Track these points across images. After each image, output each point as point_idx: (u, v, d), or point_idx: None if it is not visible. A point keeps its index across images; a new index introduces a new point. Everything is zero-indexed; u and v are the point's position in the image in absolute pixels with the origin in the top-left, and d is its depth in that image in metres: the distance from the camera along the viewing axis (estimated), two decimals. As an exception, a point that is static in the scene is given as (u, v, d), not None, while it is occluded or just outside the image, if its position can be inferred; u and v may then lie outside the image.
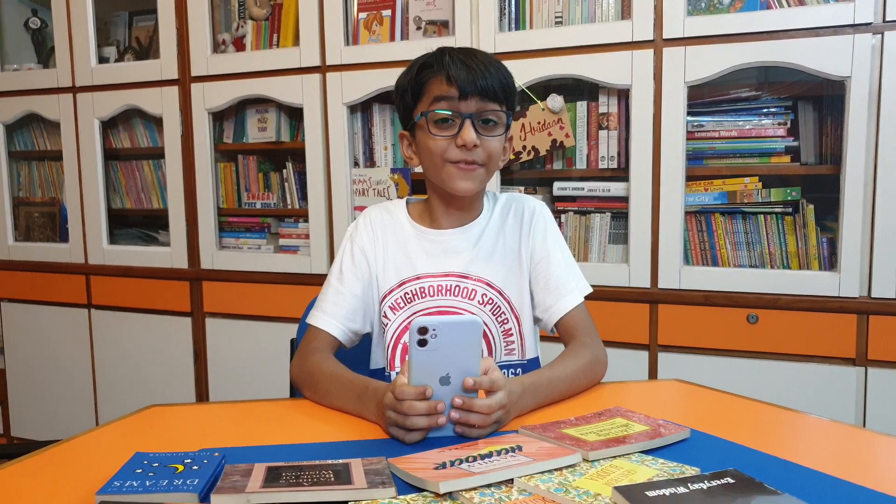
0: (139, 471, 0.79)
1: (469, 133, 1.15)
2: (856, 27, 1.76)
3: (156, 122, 2.59)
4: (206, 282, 2.49)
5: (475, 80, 1.15)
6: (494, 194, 1.34)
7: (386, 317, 1.26)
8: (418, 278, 1.26)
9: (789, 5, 1.85)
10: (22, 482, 0.83)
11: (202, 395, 2.55)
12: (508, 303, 1.26)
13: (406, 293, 1.25)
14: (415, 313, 1.24)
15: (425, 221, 1.30)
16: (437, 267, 1.26)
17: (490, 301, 1.25)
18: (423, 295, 1.25)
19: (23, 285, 2.78)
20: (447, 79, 1.16)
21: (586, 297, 1.27)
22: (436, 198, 1.28)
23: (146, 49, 2.69)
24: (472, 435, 0.95)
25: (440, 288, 1.25)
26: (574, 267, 1.30)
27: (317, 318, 1.25)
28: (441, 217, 1.28)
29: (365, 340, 1.32)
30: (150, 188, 2.68)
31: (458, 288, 1.25)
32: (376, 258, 1.28)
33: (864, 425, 1.81)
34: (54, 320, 2.73)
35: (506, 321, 1.26)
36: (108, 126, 2.67)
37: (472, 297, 1.25)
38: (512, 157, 2.10)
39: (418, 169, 1.38)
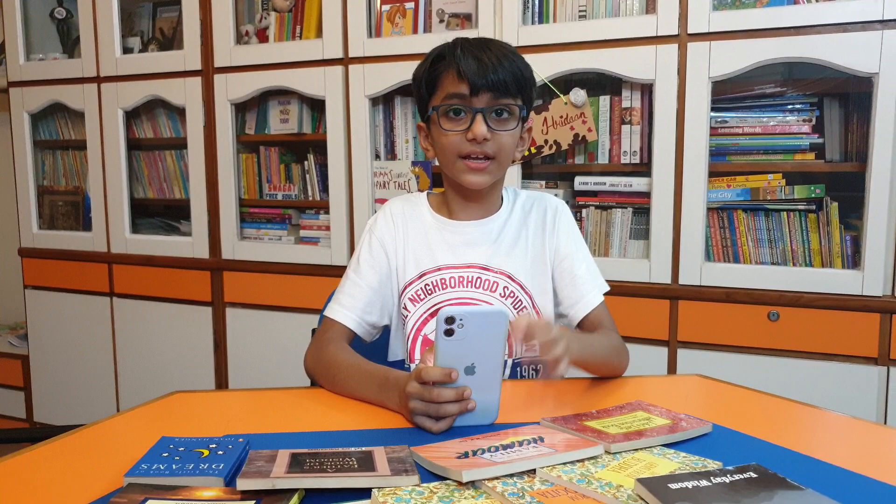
0: (165, 454, 0.80)
1: (480, 127, 1.15)
2: (885, 23, 1.73)
3: (179, 113, 2.61)
4: (226, 272, 2.52)
5: (487, 74, 1.14)
6: (515, 190, 1.34)
7: (406, 308, 1.26)
8: (439, 269, 1.25)
9: (816, 0, 1.83)
10: (53, 463, 0.85)
11: (222, 384, 2.57)
12: (530, 297, 1.26)
13: (426, 284, 1.25)
14: (435, 304, 1.24)
15: (445, 213, 1.29)
16: (458, 258, 1.26)
17: (512, 294, 1.25)
18: (444, 286, 1.25)
19: (46, 273, 2.82)
20: (458, 73, 1.15)
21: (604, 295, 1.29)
22: (452, 191, 1.28)
23: (170, 40, 2.71)
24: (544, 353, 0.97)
25: (461, 279, 1.25)
26: (594, 265, 1.30)
27: (333, 311, 1.25)
28: (459, 210, 1.28)
29: (384, 332, 1.32)
30: (172, 178, 2.70)
31: (479, 280, 1.25)
32: (396, 250, 1.27)
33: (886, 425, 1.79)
34: (77, 308, 2.77)
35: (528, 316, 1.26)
36: (132, 116, 2.69)
37: (493, 289, 1.24)
38: (533, 150, 2.09)
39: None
